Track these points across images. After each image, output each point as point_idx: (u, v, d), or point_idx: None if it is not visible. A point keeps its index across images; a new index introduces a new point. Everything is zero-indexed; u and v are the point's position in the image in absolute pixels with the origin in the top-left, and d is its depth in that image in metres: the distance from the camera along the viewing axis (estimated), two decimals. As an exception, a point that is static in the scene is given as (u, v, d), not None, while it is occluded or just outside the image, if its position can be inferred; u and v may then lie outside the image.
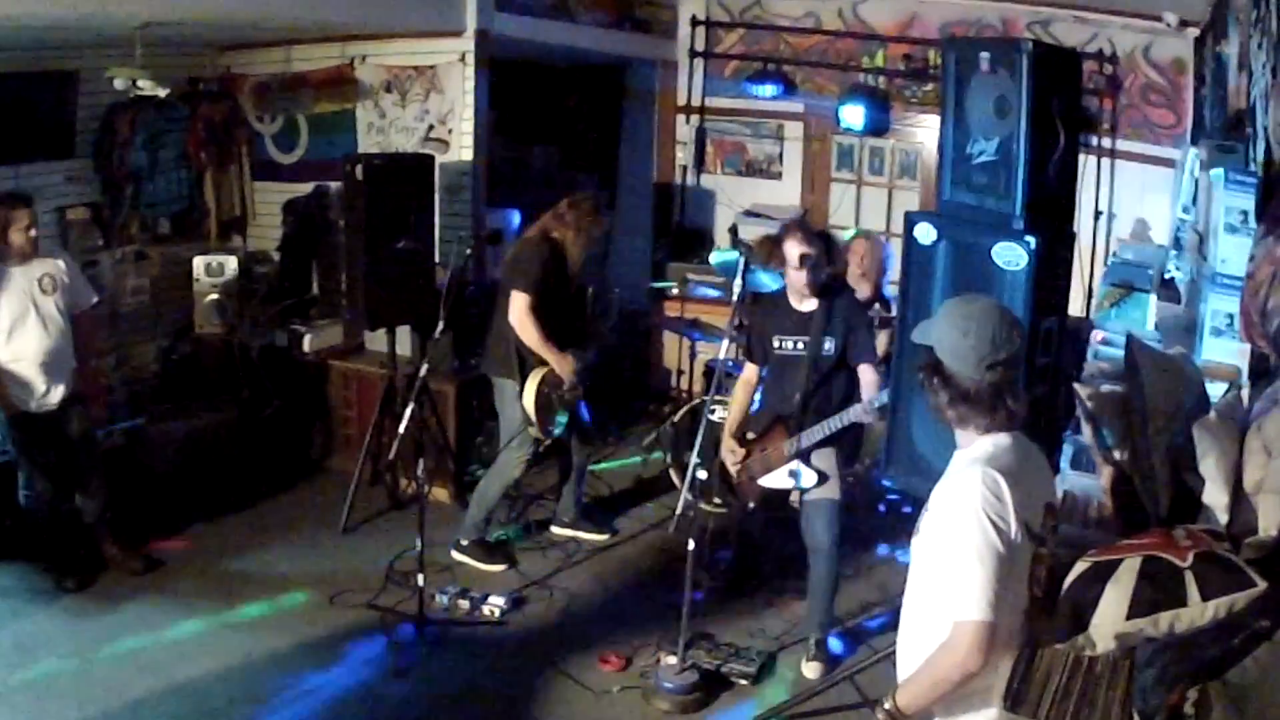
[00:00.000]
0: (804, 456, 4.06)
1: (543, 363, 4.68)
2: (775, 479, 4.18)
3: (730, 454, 4.22)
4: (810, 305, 4.10)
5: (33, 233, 4.30)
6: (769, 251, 4.08)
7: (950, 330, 2.14)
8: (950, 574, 2.03)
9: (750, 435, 4.29)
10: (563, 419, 4.76)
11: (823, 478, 4.06)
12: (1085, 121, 5.78)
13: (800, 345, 4.10)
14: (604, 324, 5.11)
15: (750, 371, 4.32)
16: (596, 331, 5.04)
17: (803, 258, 3.99)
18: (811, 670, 4.06)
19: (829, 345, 4.06)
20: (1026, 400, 2.19)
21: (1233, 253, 2.93)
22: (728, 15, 7.12)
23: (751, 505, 4.31)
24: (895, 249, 5.75)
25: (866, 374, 4.05)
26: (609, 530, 5.26)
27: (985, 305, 2.20)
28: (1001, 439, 2.14)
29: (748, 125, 7.22)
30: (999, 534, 2.00)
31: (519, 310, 4.60)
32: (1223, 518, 2.18)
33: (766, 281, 4.64)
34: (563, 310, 4.78)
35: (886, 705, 2.17)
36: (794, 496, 4.20)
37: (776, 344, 4.16)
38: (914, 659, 2.18)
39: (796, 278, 4.06)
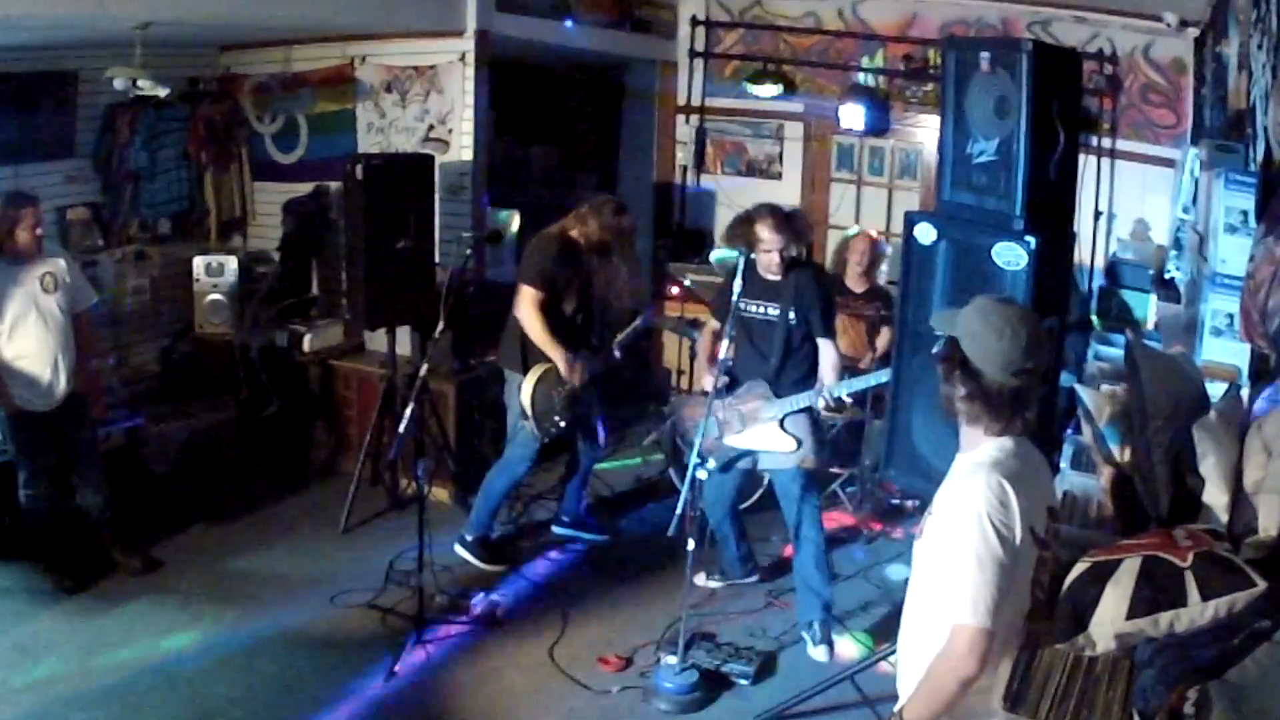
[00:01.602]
0: (782, 422, 4.16)
1: (546, 360, 4.67)
2: (745, 439, 4.23)
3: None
4: (777, 276, 4.21)
5: (39, 231, 4.31)
6: (742, 231, 4.16)
7: (985, 329, 2.10)
8: (951, 579, 2.03)
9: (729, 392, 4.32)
10: (562, 421, 4.75)
11: (797, 444, 4.15)
12: (1085, 121, 5.78)
13: (771, 311, 4.21)
14: (618, 336, 5.09)
15: (713, 325, 4.44)
16: (608, 346, 5.02)
17: (773, 241, 4.12)
18: (820, 654, 4.09)
19: (793, 316, 4.19)
20: (1037, 411, 2.16)
21: (1233, 253, 2.93)
22: (728, 15, 7.12)
23: (712, 463, 4.27)
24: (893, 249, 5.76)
25: (827, 351, 4.21)
26: (609, 531, 5.26)
27: (1023, 311, 2.17)
28: (1005, 443, 2.12)
29: (748, 125, 7.22)
30: (1002, 541, 1.99)
31: (524, 303, 4.59)
32: (1223, 518, 2.18)
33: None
34: (573, 311, 4.76)
35: None
36: (765, 464, 4.28)
37: (743, 305, 4.21)
38: (914, 661, 2.17)
39: (767, 259, 4.17)
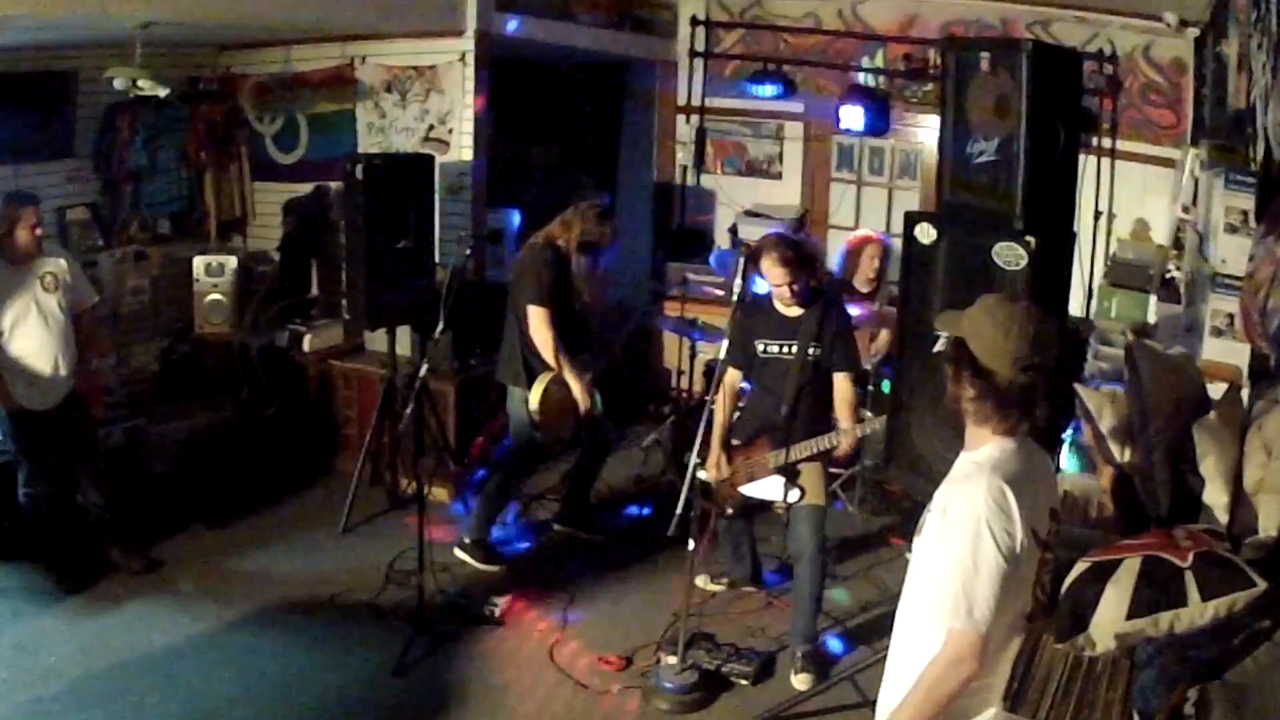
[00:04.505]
0: (788, 471, 4.02)
1: (549, 369, 4.67)
2: (757, 488, 4.16)
3: (715, 468, 4.19)
4: (797, 312, 4.09)
5: (38, 232, 4.32)
6: (751, 267, 4.06)
7: (990, 327, 2.08)
8: (948, 582, 2.02)
9: (735, 441, 4.26)
10: (568, 432, 4.75)
11: (803, 490, 4.02)
12: (1085, 121, 5.78)
13: (787, 349, 4.08)
14: (617, 338, 5.10)
15: (732, 377, 4.26)
16: (607, 344, 5.02)
17: (781, 276, 3.99)
18: (801, 683, 3.98)
19: (814, 350, 4.05)
20: (1048, 409, 2.13)
21: (1233, 253, 2.93)
22: (728, 15, 7.12)
23: (730, 511, 4.28)
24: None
25: (843, 386, 4.08)
26: (610, 531, 5.26)
27: (1028, 307, 2.15)
28: (1008, 444, 2.11)
29: (748, 125, 7.22)
30: (1001, 547, 1.98)
31: (537, 323, 4.60)
32: (1223, 518, 2.19)
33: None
34: (568, 318, 4.75)
35: None
36: (778, 505, 4.18)
37: (761, 347, 4.13)
38: (904, 658, 2.17)
39: (779, 292, 4.07)
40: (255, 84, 6.47)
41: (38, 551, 4.56)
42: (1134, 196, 6.03)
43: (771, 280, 4.04)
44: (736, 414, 4.35)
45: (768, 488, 4.13)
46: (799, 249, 4.07)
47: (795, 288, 4.00)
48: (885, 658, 2.29)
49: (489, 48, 5.84)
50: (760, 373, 4.18)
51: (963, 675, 2.00)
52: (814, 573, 4.05)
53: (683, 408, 6.04)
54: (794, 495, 4.02)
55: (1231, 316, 2.90)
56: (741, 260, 4.00)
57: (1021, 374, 2.05)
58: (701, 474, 3.93)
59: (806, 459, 4.03)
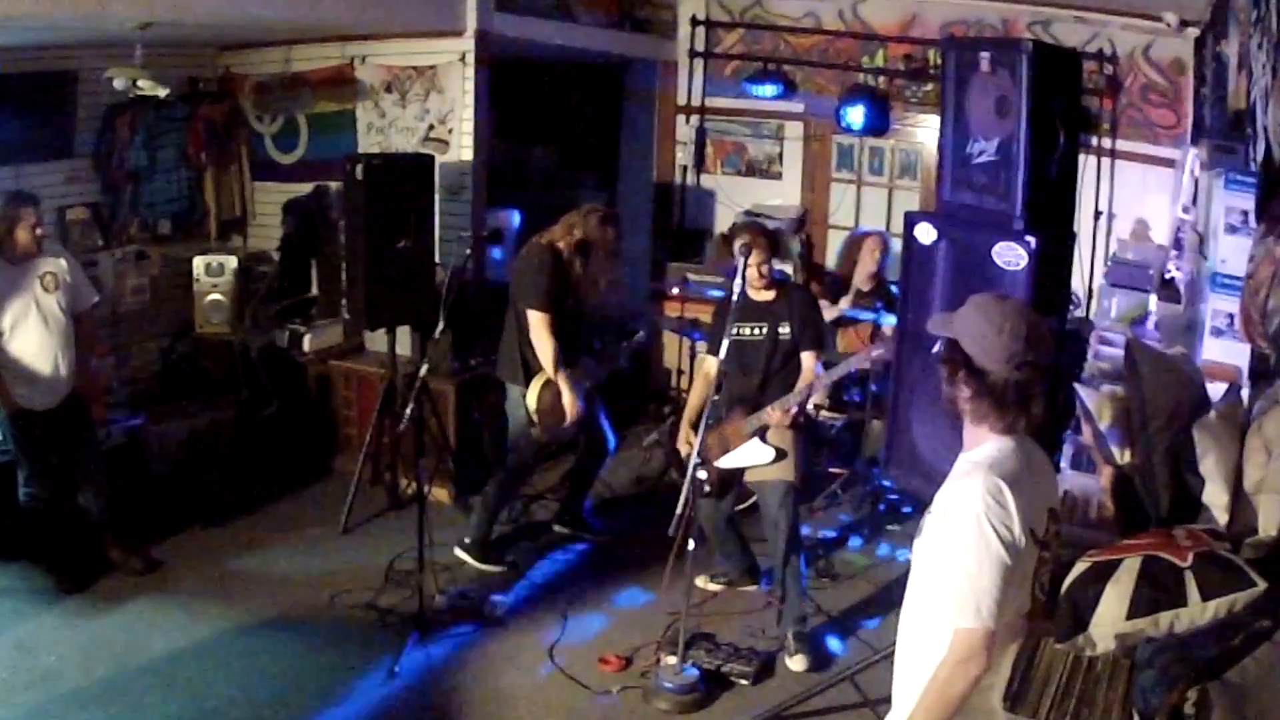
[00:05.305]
0: (761, 434, 4.16)
1: None
2: (732, 459, 4.22)
3: (685, 444, 4.28)
4: (767, 296, 4.26)
5: (38, 232, 4.32)
6: (727, 249, 4.21)
7: (983, 324, 2.08)
8: (951, 581, 2.01)
9: (710, 422, 4.30)
10: (567, 429, 4.75)
11: (780, 454, 4.12)
12: (1085, 121, 5.79)
13: (758, 331, 4.24)
14: (619, 351, 5.10)
15: (710, 364, 4.36)
16: (610, 353, 5.02)
17: (754, 257, 4.14)
18: (797, 664, 4.05)
19: (785, 330, 4.22)
20: (1044, 406, 2.13)
21: (1233, 253, 2.94)
22: (728, 15, 7.12)
23: (707, 489, 4.30)
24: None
25: (808, 361, 4.26)
26: (609, 530, 5.26)
27: (1020, 304, 2.16)
28: (1006, 443, 2.10)
29: (748, 125, 7.22)
30: (1001, 542, 1.98)
31: (538, 328, 4.58)
32: (1223, 518, 2.19)
33: None
34: (566, 323, 4.74)
35: None
36: (749, 475, 4.24)
37: (734, 331, 4.18)
38: (912, 661, 2.16)
39: (751, 274, 4.19)
40: (255, 84, 6.47)
41: (38, 551, 4.56)
42: (1134, 196, 6.03)
43: (749, 259, 4.14)
44: (714, 399, 4.37)
45: (744, 456, 4.19)
46: (770, 235, 4.34)
47: (765, 269, 4.20)
48: (886, 657, 2.29)
49: (489, 48, 5.83)
50: (735, 356, 4.24)
51: (972, 674, 2.00)
52: (790, 550, 4.13)
53: (683, 408, 6.03)
54: (769, 455, 4.12)
55: (1231, 316, 2.90)
56: (741, 260, 4.02)
57: (1016, 371, 2.05)
58: (701, 474, 3.94)
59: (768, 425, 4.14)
